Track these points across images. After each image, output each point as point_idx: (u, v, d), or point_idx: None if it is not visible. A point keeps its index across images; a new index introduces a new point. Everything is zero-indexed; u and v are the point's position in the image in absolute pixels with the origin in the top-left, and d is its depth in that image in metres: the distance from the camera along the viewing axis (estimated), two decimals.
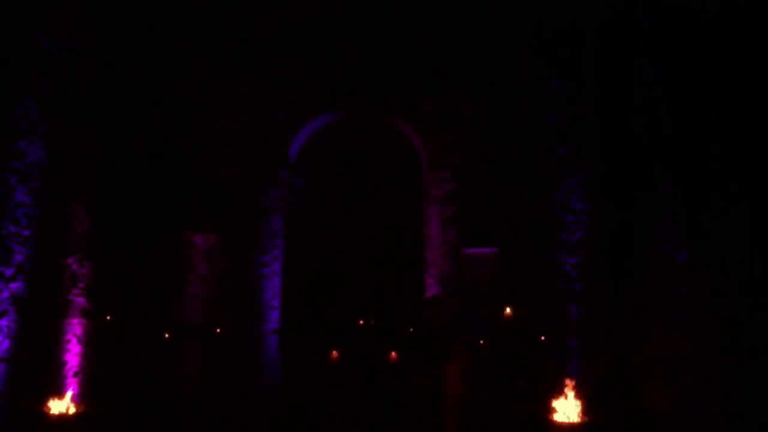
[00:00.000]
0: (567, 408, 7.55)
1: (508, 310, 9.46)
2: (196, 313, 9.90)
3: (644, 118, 7.79)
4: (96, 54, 8.47)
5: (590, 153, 8.73)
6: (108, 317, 8.66)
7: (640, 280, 7.83)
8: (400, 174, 11.37)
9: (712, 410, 6.41)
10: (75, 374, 8.01)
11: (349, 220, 11.58)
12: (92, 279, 8.39)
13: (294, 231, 11.01)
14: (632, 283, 7.97)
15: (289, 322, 10.51)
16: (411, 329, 10.65)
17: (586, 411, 7.51)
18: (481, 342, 9.48)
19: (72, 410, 7.57)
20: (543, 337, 9.02)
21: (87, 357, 8.21)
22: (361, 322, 11.25)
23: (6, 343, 6.68)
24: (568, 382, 7.63)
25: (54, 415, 7.41)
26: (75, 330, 8.08)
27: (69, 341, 7.98)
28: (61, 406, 7.50)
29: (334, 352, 10.28)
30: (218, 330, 9.83)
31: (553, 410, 7.59)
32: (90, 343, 8.29)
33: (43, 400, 7.40)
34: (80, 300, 8.19)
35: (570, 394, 7.55)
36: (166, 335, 9.61)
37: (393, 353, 10.25)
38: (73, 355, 8.03)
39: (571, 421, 7.48)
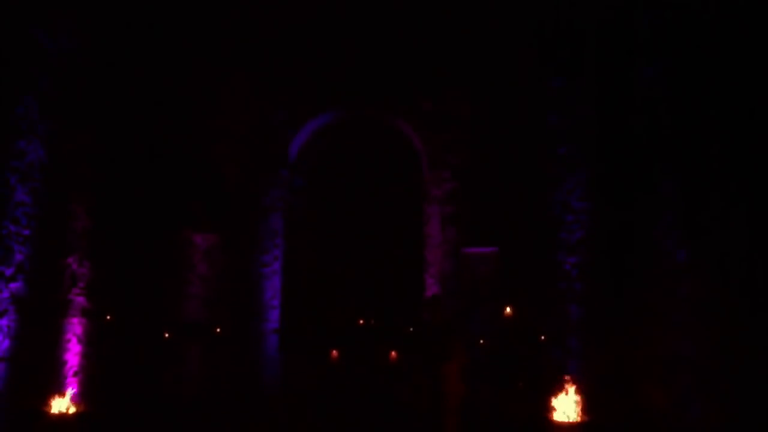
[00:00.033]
0: (567, 407, 7.56)
1: (508, 309, 9.47)
2: (196, 312, 9.90)
3: (644, 118, 7.79)
4: (96, 54, 8.47)
5: (590, 153, 8.73)
6: (108, 317, 8.66)
7: (640, 280, 7.83)
8: (400, 173, 11.38)
9: (712, 410, 6.42)
10: (75, 374, 8.01)
11: (349, 220, 11.58)
12: (92, 278, 8.39)
13: (294, 230, 11.01)
14: (632, 282, 7.97)
15: (289, 322, 10.51)
16: (411, 329, 10.66)
17: (585, 410, 7.52)
18: (481, 341, 9.48)
19: (72, 410, 7.58)
20: (543, 337, 9.02)
21: (87, 356, 8.21)
22: (361, 321, 11.26)
23: (6, 343, 6.68)
24: (567, 378, 7.64)
25: (54, 415, 7.42)
26: (75, 329, 8.08)
27: (69, 341, 7.98)
28: (61, 405, 7.50)
29: (334, 352, 10.29)
30: (218, 329, 9.83)
31: (553, 409, 7.59)
32: (90, 342, 8.29)
33: (44, 400, 7.40)
34: (80, 299, 8.19)
35: (570, 390, 7.56)
36: (166, 335, 9.62)
37: (393, 353, 10.26)
38: (73, 355, 8.03)
39: (570, 420, 7.48)
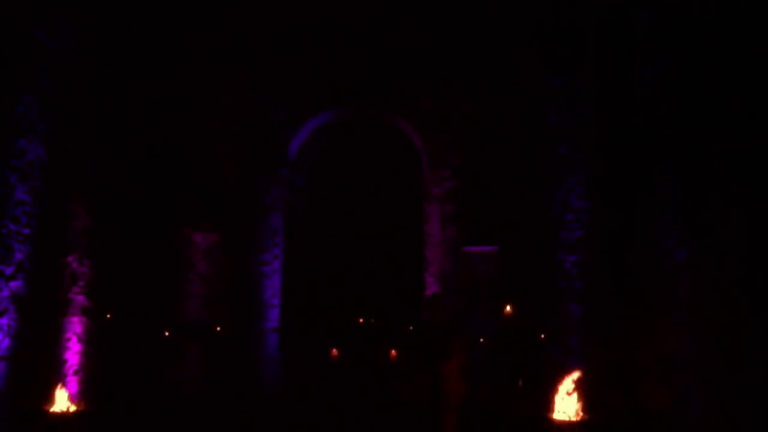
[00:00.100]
0: (567, 406, 7.57)
1: (508, 308, 9.48)
2: (197, 311, 9.91)
3: (644, 118, 7.78)
4: (96, 53, 8.46)
5: (590, 152, 8.73)
6: (108, 315, 8.66)
7: (640, 279, 7.83)
8: (400, 172, 11.39)
9: (712, 409, 6.42)
10: (75, 372, 8.02)
11: (349, 219, 11.61)
12: (92, 277, 8.39)
13: (294, 229, 11.02)
14: (632, 281, 7.97)
15: (289, 321, 10.52)
16: (411, 327, 10.68)
17: (585, 409, 7.53)
18: (481, 340, 9.49)
19: (72, 408, 7.58)
20: (543, 335, 9.02)
21: (87, 355, 8.21)
22: (361, 320, 11.28)
23: (6, 342, 6.68)
24: (567, 375, 7.65)
25: (54, 414, 7.42)
26: (75, 328, 8.08)
27: (69, 339, 7.99)
28: (61, 404, 7.51)
29: (334, 351, 10.32)
30: (218, 328, 9.83)
31: (553, 408, 7.60)
32: (90, 341, 8.29)
33: (44, 399, 7.41)
34: (80, 298, 8.19)
35: (571, 388, 7.57)
36: (166, 333, 9.62)
37: (393, 351, 10.28)
38: (73, 354, 8.04)
39: (570, 419, 7.49)
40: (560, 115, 9.03)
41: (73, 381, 7.93)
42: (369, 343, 10.68)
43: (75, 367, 8.03)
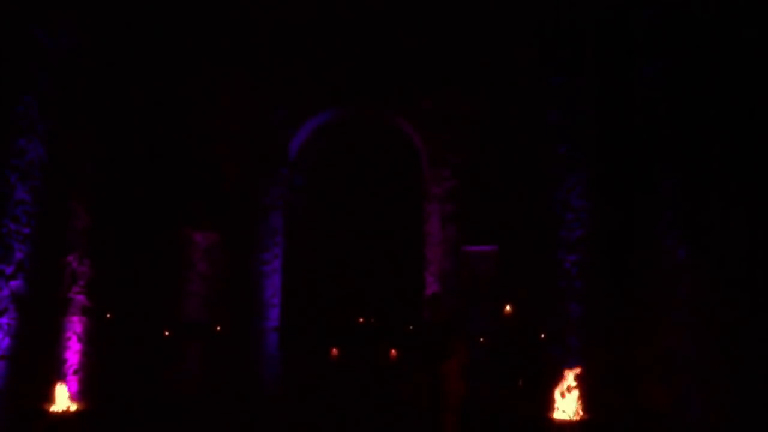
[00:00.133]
0: (567, 405, 7.57)
1: (508, 307, 9.48)
2: (197, 311, 9.91)
3: (644, 117, 7.78)
4: (96, 52, 8.46)
5: (590, 151, 8.73)
6: (108, 315, 8.67)
7: (640, 278, 7.84)
8: (400, 172, 11.39)
9: (712, 409, 6.42)
10: (75, 372, 8.02)
11: (349, 218, 11.61)
12: (92, 277, 8.39)
13: (294, 229, 11.02)
14: (632, 281, 7.98)
15: (289, 320, 10.52)
16: (411, 327, 10.68)
17: (585, 408, 7.53)
18: (481, 340, 9.49)
19: (72, 408, 7.59)
20: (543, 335, 9.03)
21: (87, 355, 8.21)
22: (361, 320, 11.28)
23: (6, 341, 6.69)
24: (567, 372, 7.66)
25: (54, 413, 7.43)
26: (75, 328, 8.09)
27: (69, 339, 7.99)
28: (61, 403, 7.51)
29: (335, 350, 10.32)
30: (218, 328, 9.84)
31: (553, 408, 7.60)
32: (90, 340, 8.29)
33: (44, 398, 7.41)
34: (80, 298, 8.20)
35: (571, 386, 7.58)
36: (166, 333, 9.62)
37: (393, 351, 10.28)
38: (73, 353, 8.04)
39: (570, 418, 7.50)
40: (560, 115, 9.03)
41: (73, 380, 7.94)
42: (369, 343, 10.68)
43: (75, 367, 8.03)
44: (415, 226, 10.77)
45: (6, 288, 6.71)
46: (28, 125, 7.09)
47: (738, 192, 6.21)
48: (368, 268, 11.38)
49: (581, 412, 7.51)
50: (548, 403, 7.70)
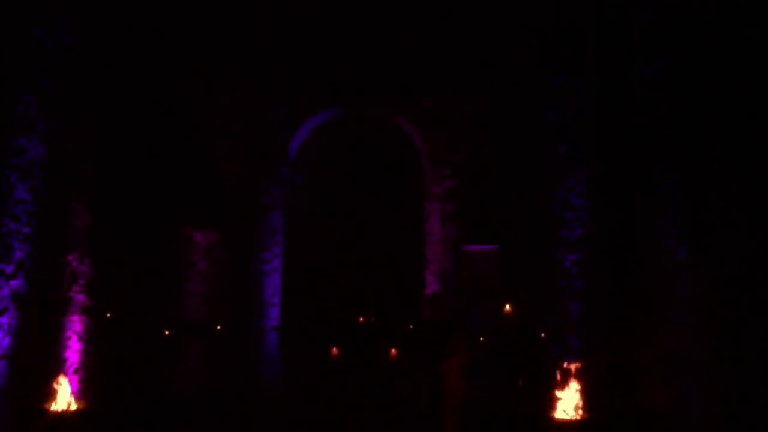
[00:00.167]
0: (567, 404, 7.57)
1: (508, 306, 9.48)
2: (197, 310, 9.91)
3: (644, 117, 7.79)
4: (96, 52, 8.46)
5: (590, 150, 8.74)
6: (108, 314, 8.67)
7: (640, 278, 7.85)
8: (400, 171, 11.38)
9: (712, 408, 6.43)
10: (75, 371, 8.03)
11: (349, 217, 11.60)
12: (92, 276, 8.40)
13: (294, 228, 11.02)
14: (632, 280, 7.99)
15: (289, 319, 10.52)
16: (411, 326, 10.67)
17: (585, 408, 7.53)
18: (481, 339, 9.50)
19: (72, 407, 7.59)
20: (543, 334, 9.04)
21: (87, 354, 8.22)
22: (362, 319, 11.27)
23: (6, 341, 6.69)
24: (568, 365, 7.66)
25: (54, 412, 7.43)
26: (75, 327, 8.09)
27: (69, 338, 7.99)
28: (61, 402, 7.52)
29: (335, 349, 10.31)
30: (218, 327, 9.84)
31: (553, 407, 7.61)
32: (90, 340, 8.30)
33: (44, 397, 7.41)
34: (80, 297, 8.20)
35: (571, 385, 7.59)
36: (166, 332, 9.63)
37: (393, 350, 10.28)
38: (73, 352, 8.04)
39: (570, 417, 7.50)
40: (560, 114, 9.04)
41: (74, 379, 7.94)
42: (369, 342, 10.67)
43: (75, 366, 8.04)
44: (415, 225, 10.77)
45: (6, 287, 6.71)
46: (28, 124, 7.09)
47: (738, 192, 6.21)
48: (368, 267, 11.37)
49: (581, 411, 7.52)
50: (548, 402, 7.70)
